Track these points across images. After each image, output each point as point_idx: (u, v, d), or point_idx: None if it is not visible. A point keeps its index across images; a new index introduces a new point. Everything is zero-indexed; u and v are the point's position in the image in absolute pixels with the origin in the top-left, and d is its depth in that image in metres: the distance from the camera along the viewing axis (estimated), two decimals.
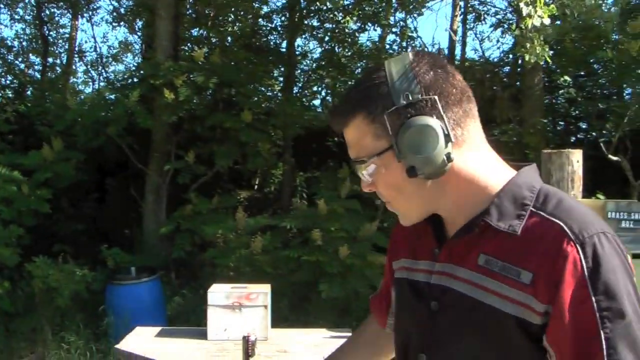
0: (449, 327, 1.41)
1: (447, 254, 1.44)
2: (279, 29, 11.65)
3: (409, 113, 1.35)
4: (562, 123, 11.66)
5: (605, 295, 1.22)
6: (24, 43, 15.71)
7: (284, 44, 11.59)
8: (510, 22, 12.26)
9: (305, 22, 11.36)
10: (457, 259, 1.42)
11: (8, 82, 13.22)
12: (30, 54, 15.60)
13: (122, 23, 14.69)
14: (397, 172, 1.38)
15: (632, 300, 1.24)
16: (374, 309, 1.88)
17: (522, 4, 5.73)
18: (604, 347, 1.21)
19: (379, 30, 12.48)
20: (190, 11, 11.45)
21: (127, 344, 4.00)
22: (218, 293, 4.11)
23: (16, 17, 15.59)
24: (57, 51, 15.83)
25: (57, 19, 15.51)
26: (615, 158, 8.11)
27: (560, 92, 10.80)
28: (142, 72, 9.02)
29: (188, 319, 7.36)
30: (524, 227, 1.34)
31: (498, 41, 24.82)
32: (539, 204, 1.36)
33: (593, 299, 1.22)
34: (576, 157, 3.43)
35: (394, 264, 1.67)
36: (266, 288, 4.20)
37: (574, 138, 11.03)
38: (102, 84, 14.48)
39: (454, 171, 1.39)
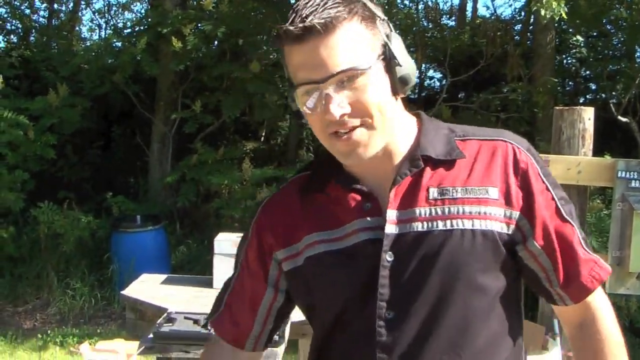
0: (418, 270, 1.34)
1: (394, 199, 1.37)
2: None
3: (389, 27, 1.37)
4: (571, 83, 11.57)
5: (557, 188, 1.43)
6: None
7: None
8: None
9: None
10: (407, 202, 1.37)
11: (13, 27, 13.11)
12: (36, 0, 15.45)
13: None
14: (383, 86, 1.33)
15: None
16: (223, 331, 1.60)
17: None
18: (575, 226, 1.41)
19: None
20: None
21: (132, 290, 4.02)
22: (224, 242, 4.10)
23: None
24: None
25: None
26: (624, 119, 8.06)
27: (572, 51, 10.69)
28: (149, 20, 8.93)
29: (192, 268, 7.40)
30: (467, 152, 1.40)
31: None
32: (459, 133, 1.44)
33: (552, 191, 1.41)
34: (588, 115, 3.41)
35: (282, 252, 1.48)
36: None
37: (582, 98, 10.96)
38: (108, 32, 14.36)
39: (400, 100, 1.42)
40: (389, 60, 1.32)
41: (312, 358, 1.55)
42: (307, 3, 1.28)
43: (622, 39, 9.79)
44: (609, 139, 8.93)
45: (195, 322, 3.05)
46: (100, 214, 8.28)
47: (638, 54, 9.87)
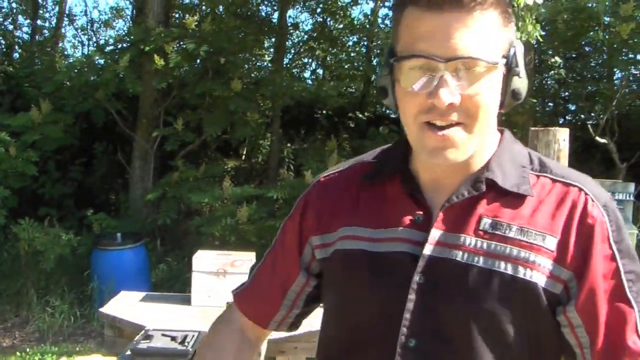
0: (446, 304, 1.21)
1: (443, 219, 1.24)
2: None
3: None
4: (551, 104, 11.69)
5: (628, 258, 1.21)
6: (13, 4, 15.54)
7: (276, 15, 11.55)
8: None
9: None
10: (455, 225, 1.24)
11: None
12: (20, 16, 15.44)
13: None
14: (496, 91, 1.20)
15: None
16: (246, 306, 1.51)
17: None
18: (635, 309, 1.18)
19: (371, 3, 12.45)
20: None
21: (111, 307, 4.03)
22: (203, 259, 4.13)
23: None
24: (46, 14, 15.68)
25: None
26: (602, 140, 8.16)
27: (551, 72, 10.82)
28: (132, 37, 8.96)
29: (172, 286, 7.39)
30: (537, 189, 1.25)
31: None
32: (536, 167, 1.29)
33: (620, 262, 1.19)
34: (562, 136, 3.45)
35: (316, 239, 1.39)
36: (251, 256, 4.22)
37: (562, 119, 11.08)
38: (91, 48, 14.38)
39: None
40: (510, 67, 1.21)
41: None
42: None
43: (600, 61, 9.93)
44: (587, 160, 9.04)
45: (173, 339, 3.07)
46: (81, 231, 8.26)
47: (616, 75, 10.01)
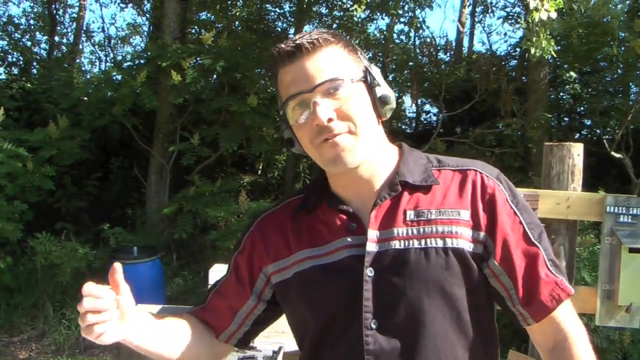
0: (397, 284, 1.48)
1: (375, 220, 1.53)
2: (287, 15, 11.64)
3: (368, 61, 1.57)
4: (566, 119, 11.67)
5: (526, 212, 1.55)
6: (32, 21, 15.71)
7: (292, 30, 11.60)
8: (518, 14, 12.28)
9: (314, 8, 11.35)
10: (386, 223, 1.52)
11: (14, 59, 13.23)
12: (37, 32, 15.58)
13: (130, 5, 14.69)
14: (365, 101, 1.51)
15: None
16: (203, 317, 1.74)
17: None
18: (541, 249, 1.53)
19: (387, 19, 12.48)
20: None
21: None
22: (219, 273, 4.14)
23: None
24: (64, 31, 15.84)
25: None
26: (617, 155, 8.13)
27: (566, 87, 10.80)
28: (149, 53, 9.03)
29: (187, 300, 7.41)
30: (442, 180, 1.57)
31: (505, 34, 24.78)
32: (435, 164, 1.61)
33: (520, 216, 1.54)
34: (577, 151, 3.45)
35: (271, 266, 1.63)
36: None
37: (577, 134, 11.04)
38: (108, 64, 14.50)
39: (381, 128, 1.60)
40: (369, 82, 1.53)
41: None
42: (299, 34, 1.51)
43: (615, 76, 9.90)
44: (603, 175, 9.00)
45: None
46: (97, 245, 8.30)
47: (632, 90, 9.97)
